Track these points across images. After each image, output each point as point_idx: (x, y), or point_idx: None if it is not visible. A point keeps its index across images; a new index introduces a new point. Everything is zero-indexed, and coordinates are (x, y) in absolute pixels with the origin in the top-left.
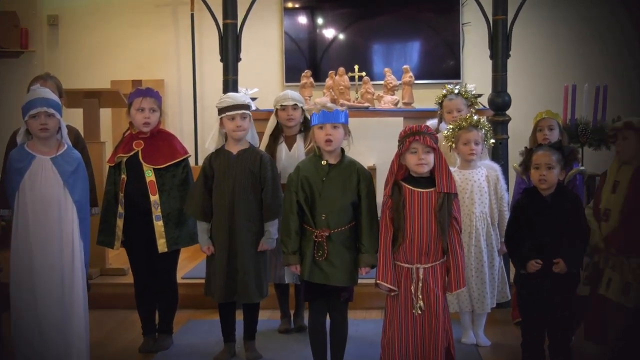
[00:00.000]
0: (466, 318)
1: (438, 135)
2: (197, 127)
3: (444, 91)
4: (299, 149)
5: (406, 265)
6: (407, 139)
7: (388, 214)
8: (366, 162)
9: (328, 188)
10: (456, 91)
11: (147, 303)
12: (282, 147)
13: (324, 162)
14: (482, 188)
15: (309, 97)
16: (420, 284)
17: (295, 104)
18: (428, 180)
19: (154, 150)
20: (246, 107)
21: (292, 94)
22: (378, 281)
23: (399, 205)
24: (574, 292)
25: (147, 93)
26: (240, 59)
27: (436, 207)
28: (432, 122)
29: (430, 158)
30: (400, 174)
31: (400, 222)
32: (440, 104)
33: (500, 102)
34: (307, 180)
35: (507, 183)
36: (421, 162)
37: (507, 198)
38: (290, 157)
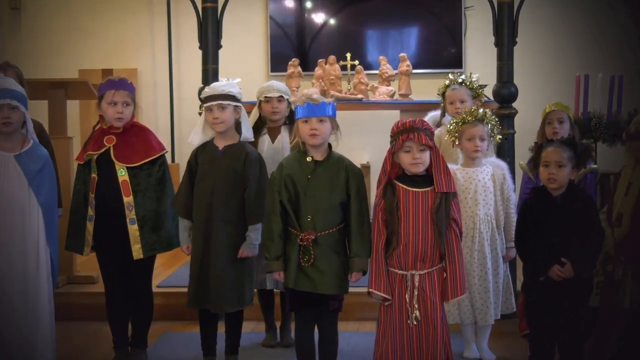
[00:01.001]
0: (469, 330)
1: (440, 128)
2: (173, 121)
3: (447, 81)
4: (284, 141)
5: (400, 271)
6: (400, 136)
7: (381, 216)
8: (359, 159)
9: (314, 187)
10: (460, 80)
11: (119, 314)
12: (265, 139)
13: (309, 159)
14: (486, 188)
15: (297, 87)
16: (416, 292)
17: (281, 96)
18: (424, 179)
19: (127, 146)
20: (225, 97)
21: (278, 85)
22: (370, 290)
23: (392, 206)
24: (587, 300)
25: (120, 85)
26: (221, 46)
27: (433, 208)
28: (434, 114)
29: (426, 156)
30: (394, 172)
31: (394, 225)
32: (443, 95)
33: (505, 94)
34: (291, 178)
35: (513, 182)
36: (416, 161)
37: (514, 199)
38: (274, 149)
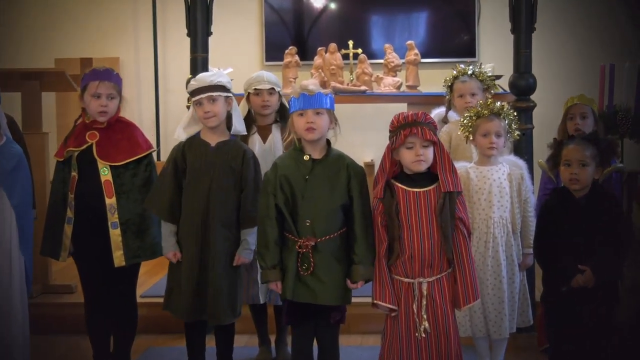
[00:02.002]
0: (482, 344)
1: (448, 125)
2: (159, 115)
3: (455, 72)
4: (275, 141)
5: (406, 279)
6: (401, 130)
7: (380, 221)
8: (362, 157)
9: (312, 188)
10: (470, 72)
11: (99, 327)
12: (255, 139)
13: (306, 157)
14: (502, 188)
15: (294, 78)
16: (425, 302)
17: (272, 88)
18: (425, 177)
19: (112, 143)
20: (214, 88)
21: (268, 76)
22: (375, 301)
23: (392, 209)
24: (613, 310)
25: (105, 76)
26: (211, 33)
27: (437, 209)
28: (438, 111)
29: (430, 153)
30: (392, 172)
31: (395, 230)
32: (450, 87)
33: (523, 85)
34: (287, 179)
35: (532, 183)
36: (419, 158)
37: (533, 201)
38: (265, 151)
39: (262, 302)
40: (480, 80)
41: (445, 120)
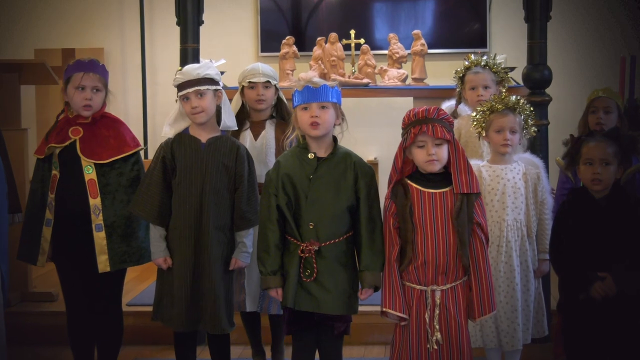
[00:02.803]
0: (494, 356)
1: (458, 120)
2: (146, 110)
3: (467, 62)
4: (268, 138)
5: (418, 287)
6: (411, 128)
7: (392, 222)
8: (366, 155)
9: (317, 188)
10: (483, 62)
11: (82, 337)
12: (247, 135)
13: (311, 155)
14: (517, 189)
15: (291, 71)
16: (437, 311)
17: (268, 81)
18: (442, 177)
19: (97, 140)
20: (202, 81)
21: (264, 68)
22: (385, 309)
23: (405, 210)
24: (636, 321)
25: (91, 67)
26: (202, 22)
27: (453, 212)
28: (449, 105)
29: (443, 152)
30: (407, 170)
31: (408, 233)
32: (461, 79)
33: (538, 78)
34: (290, 178)
35: (549, 183)
36: (431, 158)
37: (550, 203)
38: (255, 148)
39: (248, 309)
40: (494, 72)
41: (455, 115)
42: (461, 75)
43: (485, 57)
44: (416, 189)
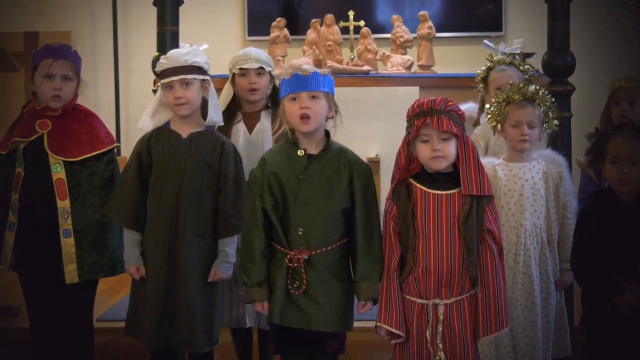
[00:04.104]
0: None
1: (481, 126)
2: (119, 101)
3: (488, 62)
4: (264, 131)
5: (419, 300)
6: (415, 120)
7: (392, 227)
8: (366, 151)
9: (307, 189)
10: (508, 60)
11: (49, 355)
12: (240, 129)
13: (300, 152)
14: (536, 190)
15: (282, 57)
16: (441, 328)
17: (261, 68)
18: (450, 177)
19: (67, 135)
20: (189, 69)
21: (257, 53)
22: (378, 324)
23: (408, 213)
24: None
25: (61, 53)
26: (182, 2)
27: (460, 217)
28: (469, 107)
29: (450, 148)
30: (413, 169)
31: (410, 239)
32: (484, 80)
33: (559, 65)
34: (277, 178)
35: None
36: (436, 154)
37: (574, 206)
38: (250, 142)
39: (248, 325)
40: (521, 71)
41: (476, 123)
42: (483, 76)
43: (502, 47)
44: (420, 189)
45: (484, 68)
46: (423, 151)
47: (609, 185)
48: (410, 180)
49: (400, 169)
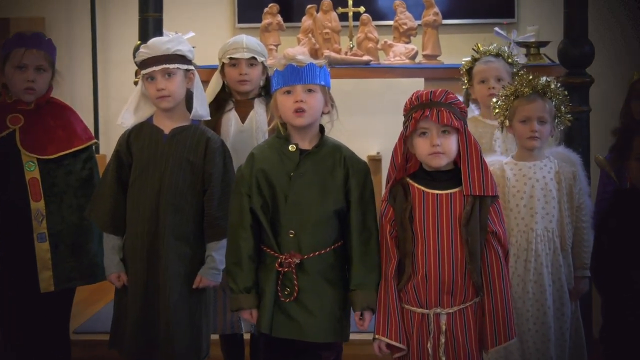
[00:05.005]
0: None
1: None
2: (97, 94)
3: (475, 52)
4: (258, 120)
5: (419, 310)
6: (412, 113)
7: (389, 230)
8: (366, 149)
9: (299, 188)
10: (495, 51)
11: None
12: (231, 117)
13: (292, 148)
14: (548, 191)
15: (275, 46)
16: (443, 339)
17: (253, 57)
18: (451, 175)
19: (41, 130)
20: (172, 58)
21: (249, 41)
22: (377, 336)
23: (405, 215)
24: None
25: (34, 43)
26: None
27: (462, 218)
28: None
29: (451, 143)
30: (411, 167)
31: (407, 243)
32: (469, 72)
33: (577, 55)
34: (266, 175)
35: (589, 184)
36: (435, 150)
37: (589, 207)
38: (243, 132)
39: (244, 331)
40: (509, 64)
41: None
42: (468, 67)
43: (514, 36)
44: (418, 189)
45: (469, 59)
46: (421, 147)
47: (633, 184)
48: (408, 179)
49: (396, 168)
